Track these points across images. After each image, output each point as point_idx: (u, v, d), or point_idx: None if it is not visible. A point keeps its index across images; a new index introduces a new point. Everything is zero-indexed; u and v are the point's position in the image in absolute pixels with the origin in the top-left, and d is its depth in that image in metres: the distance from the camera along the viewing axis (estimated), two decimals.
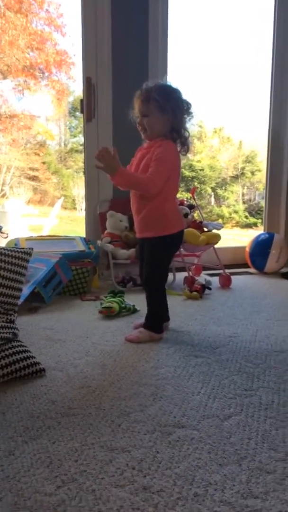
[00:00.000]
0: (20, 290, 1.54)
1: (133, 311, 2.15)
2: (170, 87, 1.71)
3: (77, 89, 6.92)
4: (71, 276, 2.41)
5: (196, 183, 7.12)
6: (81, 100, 2.92)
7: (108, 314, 2.05)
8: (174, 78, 1.77)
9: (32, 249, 1.62)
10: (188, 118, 1.73)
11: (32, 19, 6.22)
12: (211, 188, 7.56)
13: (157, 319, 1.80)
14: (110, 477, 0.91)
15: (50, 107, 7.20)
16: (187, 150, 1.75)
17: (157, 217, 1.73)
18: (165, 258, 1.80)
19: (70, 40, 6.48)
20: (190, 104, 1.73)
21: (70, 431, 1.09)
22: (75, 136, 7.70)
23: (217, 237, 2.74)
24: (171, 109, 1.66)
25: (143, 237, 1.79)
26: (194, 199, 2.98)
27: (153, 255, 1.76)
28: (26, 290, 2.13)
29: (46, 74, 6.56)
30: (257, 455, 1.00)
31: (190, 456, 0.99)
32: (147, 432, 1.09)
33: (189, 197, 3.32)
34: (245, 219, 7.41)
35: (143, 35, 2.88)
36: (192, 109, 1.74)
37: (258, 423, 1.15)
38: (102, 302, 2.18)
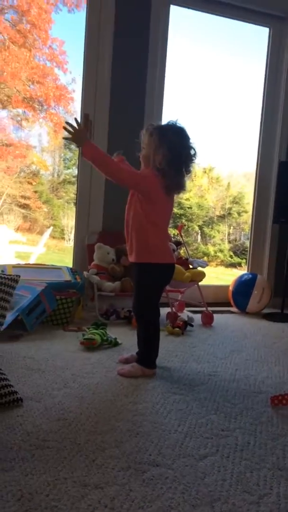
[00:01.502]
0: (3, 316, 1.54)
1: (115, 344, 2.14)
2: (174, 128, 1.73)
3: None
4: (55, 305, 2.41)
5: (184, 221, 7.24)
6: None
7: (90, 346, 2.05)
8: (169, 118, 1.80)
9: (19, 276, 1.63)
10: (182, 168, 1.73)
11: (35, 53, 6.44)
12: (198, 226, 7.69)
13: (150, 354, 1.80)
14: None
15: (46, 139, 7.35)
16: (169, 192, 1.76)
17: (140, 243, 1.77)
18: (150, 288, 1.80)
19: (70, 77, 6.70)
20: (189, 156, 1.74)
21: (43, 464, 1.08)
22: (68, 168, 7.83)
23: (202, 275, 2.78)
24: (166, 148, 1.69)
25: (131, 262, 1.84)
26: (181, 236, 3.04)
27: (138, 282, 1.81)
28: (9, 317, 2.12)
29: (45, 107, 6.74)
30: (230, 497, 1.00)
31: (164, 496, 0.99)
32: (122, 469, 1.08)
33: (176, 234, 3.38)
34: (229, 259, 7.50)
35: (141, 76, 3.01)
36: (190, 162, 1.75)
37: (233, 464, 1.14)
38: (84, 333, 2.18)
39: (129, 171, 1.76)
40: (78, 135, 1.69)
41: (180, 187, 1.78)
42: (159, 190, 1.72)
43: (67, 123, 1.67)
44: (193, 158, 1.76)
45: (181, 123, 1.77)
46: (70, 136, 1.67)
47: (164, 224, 1.83)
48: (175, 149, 1.70)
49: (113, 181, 1.70)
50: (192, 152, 1.75)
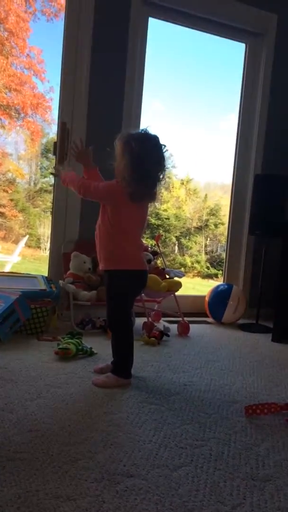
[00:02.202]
0: None
1: (90, 353, 2.12)
2: (138, 135, 1.73)
3: (51, 132, 7.08)
4: (29, 314, 2.37)
5: (161, 231, 7.27)
6: (55, 143, 3.00)
7: (65, 355, 2.02)
8: (147, 128, 1.79)
9: None
10: (146, 175, 1.70)
11: (12, 61, 6.42)
12: (176, 237, 7.74)
13: (124, 364, 1.79)
14: None
15: (23, 147, 7.30)
16: (134, 200, 1.73)
17: (107, 251, 1.79)
18: (119, 295, 1.79)
19: (48, 85, 6.70)
20: (155, 163, 1.71)
21: (14, 476, 1.05)
22: (45, 177, 7.79)
23: (178, 285, 2.79)
24: (128, 155, 1.69)
25: (101, 270, 1.85)
26: (158, 246, 3.05)
27: (108, 290, 1.82)
28: None
29: (22, 115, 6.71)
30: (204, 508, 0.99)
31: (137, 507, 0.97)
32: (95, 480, 1.06)
33: (153, 244, 3.39)
34: (206, 270, 7.57)
35: (119, 85, 3.03)
36: (156, 169, 1.72)
37: (207, 474, 1.14)
38: (59, 343, 2.15)
39: (95, 187, 1.77)
40: (80, 156, 1.91)
41: (146, 195, 1.75)
42: (124, 199, 1.72)
43: (74, 142, 1.85)
44: (160, 165, 1.73)
45: (152, 131, 1.75)
46: (58, 173, 1.75)
47: (133, 232, 1.81)
48: (138, 156, 1.67)
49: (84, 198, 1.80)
50: (157, 159, 1.72)
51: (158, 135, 1.76)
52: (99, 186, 1.78)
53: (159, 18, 3.23)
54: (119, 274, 1.77)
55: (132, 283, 1.81)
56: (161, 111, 5.05)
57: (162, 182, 1.78)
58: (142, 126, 3.19)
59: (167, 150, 1.76)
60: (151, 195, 1.78)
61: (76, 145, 1.95)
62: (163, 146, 1.75)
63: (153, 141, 1.74)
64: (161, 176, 1.75)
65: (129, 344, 1.81)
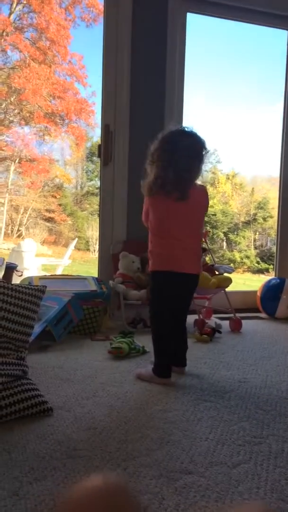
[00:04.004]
0: (32, 327, 1.56)
1: (143, 352, 2.14)
2: (169, 130, 1.73)
3: (95, 136, 7.20)
4: (82, 315, 2.42)
5: (208, 228, 7.20)
6: (99, 146, 3.04)
7: (117, 354, 2.05)
8: (190, 126, 1.78)
9: (45, 286, 1.65)
10: (171, 162, 1.67)
11: (55, 69, 6.59)
12: (223, 233, 7.63)
13: (159, 362, 1.77)
14: None
15: (69, 152, 7.48)
16: (174, 196, 1.70)
17: (149, 253, 1.81)
18: (157, 296, 1.80)
19: (90, 90, 6.82)
20: (183, 152, 1.68)
21: (75, 473, 1.07)
22: (91, 180, 7.93)
23: (228, 281, 2.75)
24: (157, 145, 1.71)
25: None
26: (206, 242, 3.02)
27: (150, 290, 1.86)
28: (37, 328, 2.15)
29: (67, 121, 6.87)
30: None
31: (197, 504, 0.97)
32: (154, 477, 1.07)
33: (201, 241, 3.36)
34: (256, 265, 7.41)
35: (160, 86, 3.03)
36: (184, 158, 1.67)
37: (267, 472, 1.12)
38: (111, 342, 2.18)
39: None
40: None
41: (174, 189, 1.69)
42: (154, 203, 1.75)
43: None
44: (189, 157, 1.69)
45: (194, 129, 1.74)
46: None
47: (172, 233, 1.74)
48: (165, 144, 1.69)
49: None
50: (186, 147, 1.68)
51: (193, 130, 1.74)
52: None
53: (197, 13, 3.19)
54: (156, 275, 1.78)
55: (169, 284, 1.76)
56: (203, 107, 4.99)
57: (198, 176, 1.75)
58: (184, 123, 3.20)
59: (203, 145, 1.73)
60: (181, 190, 1.70)
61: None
62: (193, 138, 1.72)
63: (183, 132, 1.73)
64: (193, 169, 1.71)
65: (164, 344, 1.78)
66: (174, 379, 1.77)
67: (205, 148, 1.74)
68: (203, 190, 1.83)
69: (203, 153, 1.73)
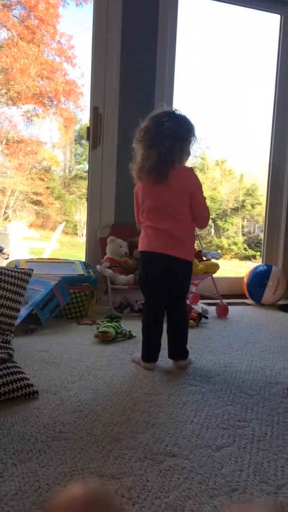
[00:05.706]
0: (18, 310, 1.54)
1: (129, 336, 2.14)
2: (156, 112, 1.72)
3: (84, 118, 7.10)
4: (69, 299, 2.41)
5: None
6: (88, 128, 3.00)
7: (104, 338, 2.05)
8: (179, 109, 1.76)
9: (32, 270, 1.63)
10: (153, 144, 1.66)
11: (44, 49, 6.44)
12: (212, 219, 7.64)
13: (143, 346, 1.77)
14: None
15: (57, 134, 7.36)
16: (143, 176, 1.71)
17: None
18: (140, 278, 1.87)
19: (80, 71, 6.69)
20: (162, 130, 1.64)
21: (60, 455, 1.08)
22: (80, 163, 7.84)
23: (216, 266, 2.76)
24: (140, 133, 1.71)
25: None
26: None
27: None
28: (23, 311, 2.13)
29: (55, 102, 6.74)
30: (248, 488, 0.99)
31: (181, 486, 0.98)
32: (138, 459, 1.08)
33: None
34: (244, 251, 7.45)
35: (150, 67, 2.98)
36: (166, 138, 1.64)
37: (250, 455, 1.13)
38: (98, 326, 2.18)
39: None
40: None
41: (151, 171, 1.67)
42: (138, 186, 1.77)
43: None
44: (172, 134, 1.64)
45: (183, 112, 1.73)
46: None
47: (147, 215, 1.75)
48: (151, 123, 1.68)
49: None
50: (171, 128, 1.64)
51: (182, 113, 1.72)
52: None
53: None
54: (140, 256, 1.83)
55: (147, 264, 1.77)
56: (194, 91, 4.94)
57: (182, 158, 1.72)
58: (175, 107, 3.16)
59: (189, 128, 1.71)
60: (158, 171, 1.66)
61: None
62: (181, 120, 1.70)
63: (168, 113, 1.70)
64: (175, 151, 1.66)
65: (146, 327, 1.78)
66: (162, 365, 1.78)
67: (192, 131, 1.71)
68: (186, 171, 1.73)
69: (188, 136, 1.70)
